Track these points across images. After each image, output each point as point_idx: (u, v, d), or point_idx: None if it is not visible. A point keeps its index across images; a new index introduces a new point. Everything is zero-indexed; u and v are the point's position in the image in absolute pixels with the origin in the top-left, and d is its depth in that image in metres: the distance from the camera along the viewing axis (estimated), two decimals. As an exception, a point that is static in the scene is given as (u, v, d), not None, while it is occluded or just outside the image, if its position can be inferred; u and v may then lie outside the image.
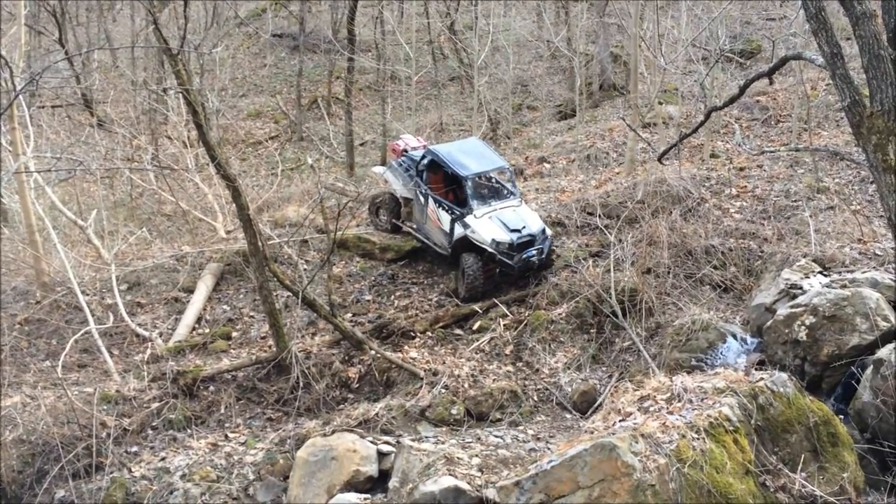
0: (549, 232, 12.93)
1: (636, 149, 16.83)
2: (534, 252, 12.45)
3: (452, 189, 13.44)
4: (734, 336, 10.81)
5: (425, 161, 13.57)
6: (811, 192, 14.14)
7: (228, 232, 16.05)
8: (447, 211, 12.96)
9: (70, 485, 9.43)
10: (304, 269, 13.18)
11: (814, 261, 11.49)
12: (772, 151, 14.00)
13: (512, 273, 12.63)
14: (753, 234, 13.19)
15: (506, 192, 13.29)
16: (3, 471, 9.56)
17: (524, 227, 12.48)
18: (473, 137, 14.95)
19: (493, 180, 13.56)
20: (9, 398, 10.52)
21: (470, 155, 13.33)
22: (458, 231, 12.70)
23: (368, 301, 13.24)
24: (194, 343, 12.23)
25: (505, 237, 12.36)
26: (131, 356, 12.03)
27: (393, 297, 13.38)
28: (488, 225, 12.51)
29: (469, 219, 12.64)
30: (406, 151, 14.47)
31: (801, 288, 10.69)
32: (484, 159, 13.34)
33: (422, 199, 13.43)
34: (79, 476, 9.58)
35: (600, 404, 9.30)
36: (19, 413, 10.05)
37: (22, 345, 12.17)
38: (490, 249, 12.37)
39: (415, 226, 13.81)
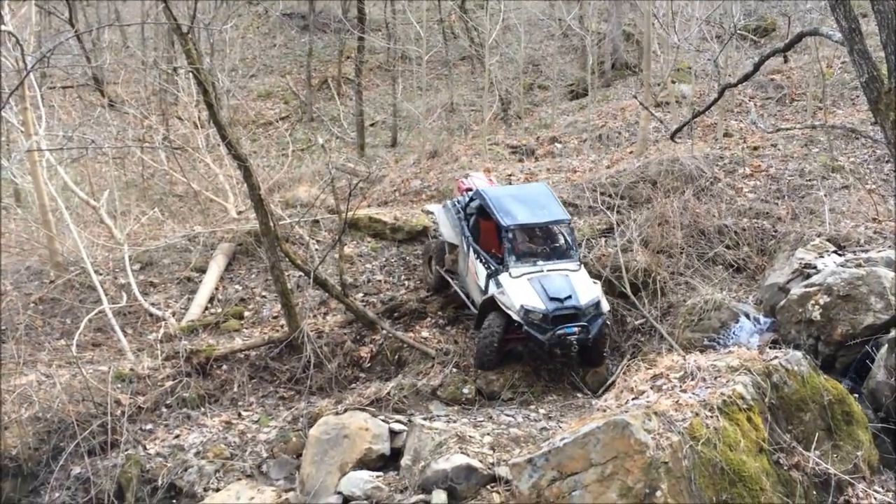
0: (605, 307, 10.65)
1: (649, 128, 16.71)
2: (575, 330, 10.20)
3: (522, 243, 11.34)
4: (747, 316, 10.77)
5: (474, 204, 11.83)
6: (826, 171, 14.01)
7: (240, 212, 16.07)
8: (484, 264, 11.05)
9: (86, 461, 9.54)
10: (316, 250, 13.19)
11: (828, 240, 11.41)
12: (787, 129, 13.86)
13: (542, 351, 10.76)
14: (767, 213, 13.10)
15: (564, 252, 11.14)
16: (20, 448, 9.68)
17: (569, 298, 10.28)
18: (542, 184, 12.68)
19: (552, 237, 11.40)
20: (24, 376, 10.63)
21: (524, 203, 11.33)
22: (491, 289, 10.80)
23: (380, 281, 13.25)
24: (207, 322, 12.29)
25: (538, 305, 10.24)
26: (145, 335, 12.10)
27: (404, 277, 13.38)
28: (523, 288, 10.43)
29: (503, 277, 10.63)
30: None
31: (815, 267, 10.63)
32: (539, 209, 11.26)
33: (465, 247, 11.60)
34: (94, 453, 9.68)
35: (612, 383, 9.30)
36: (35, 391, 10.16)
37: (37, 323, 12.26)
38: (516, 318, 10.31)
39: (458, 278, 11.98)
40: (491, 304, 10.69)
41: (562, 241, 11.25)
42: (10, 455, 9.65)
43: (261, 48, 28.68)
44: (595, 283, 10.87)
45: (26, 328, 11.77)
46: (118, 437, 9.88)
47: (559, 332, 10.16)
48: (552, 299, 10.23)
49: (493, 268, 10.84)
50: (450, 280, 12.03)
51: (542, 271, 10.65)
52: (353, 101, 23.70)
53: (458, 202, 12.25)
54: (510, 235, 10.88)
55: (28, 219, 15.45)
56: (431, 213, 13.06)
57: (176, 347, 11.28)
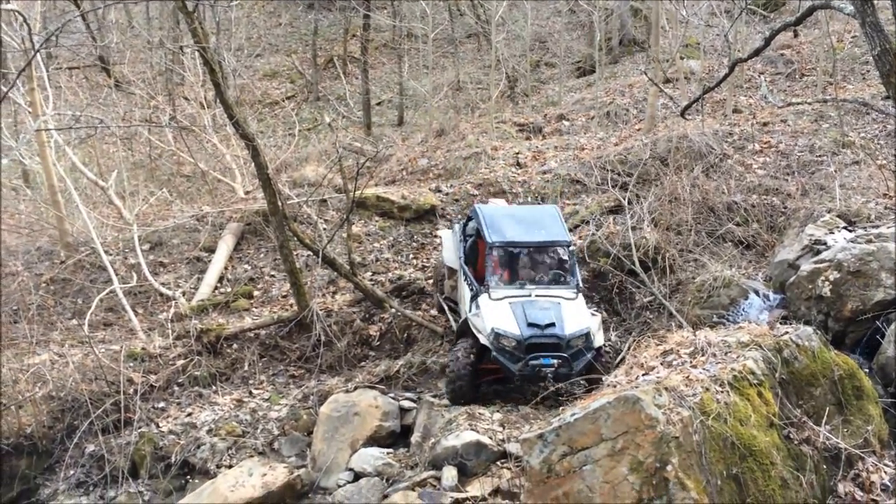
0: (599, 341, 9.51)
1: (657, 105, 16.59)
2: (552, 363, 9.03)
3: (511, 264, 10.21)
4: (756, 292, 10.74)
5: (472, 224, 10.87)
6: (836, 146, 13.91)
7: (247, 192, 16.09)
8: (469, 286, 10.14)
9: (100, 439, 9.66)
10: (324, 229, 13.21)
11: (838, 216, 11.34)
12: (798, 104, 13.72)
13: (511, 382, 9.72)
14: (777, 189, 13.03)
15: (560, 278, 10.05)
16: (35, 426, 9.80)
17: (550, 326, 9.17)
18: (552, 206, 11.44)
19: (549, 261, 10.29)
20: (37, 356, 10.73)
21: (521, 222, 10.40)
22: (471, 311, 9.88)
23: (388, 260, 13.27)
24: (217, 302, 12.36)
25: (512, 330, 9.14)
26: (155, 315, 12.18)
27: (412, 255, 13.40)
28: (500, 311, 9.39)
29: (482, 298, 9.66)
30: None
31: (825, 243, 10.58)
32: (537, 230, 10.26)
33: (460, 270, 10.76)
34: (108, 431, 9.81)
35: (622, 359, 9.31)
36: (48, 370, 10.27)
37: (48, 303, 12.36)
38: (485, 342, 9.28)
39: (457, 303, 11.06)
40: (466, 329, 9.73)
41: (561, 267, 10.14)
42: (25, 433, 9.79)
43: (266, 27, 28.55)
44: (594, 314, 9.88)
45: (38, 308, 11.87)
46: (131, 416, 10.00)
47: (533, 362, 9.01)
48: (530, 325, 9.15)
49: (475, 289, 9.90)
50: (446, 308, 11.19)
51: (530, 296, 9.61)
52: (359, 80, 23.58)
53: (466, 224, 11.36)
54: (493, 254, 9.95)
55: (37, 200, 15.51)
56: (439, 237, 12.12)
57: (186, 326, 11.37)
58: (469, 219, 11.10)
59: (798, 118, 15.30)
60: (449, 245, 11.34)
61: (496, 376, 9.79)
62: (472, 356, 9.51)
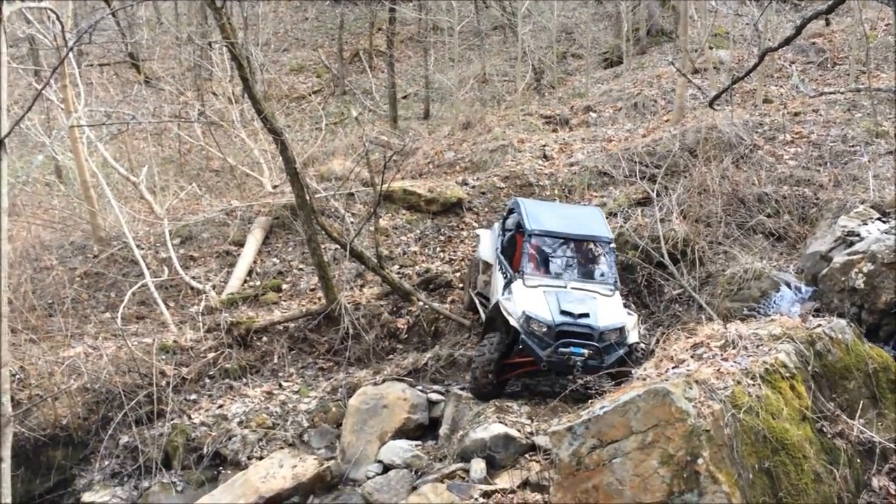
0: (633, 338, 9.25)
1: (686, 95, 16.40)
2: (583, 352, 8.80)
3: (548, 256, 10.11)
4: (788, 285, 10.60)
5: (512, 218, 10.83)
6: (869, 136, 13.66)
7: (275, 186, 16.21)
8: (503, 274, 10.06)
9: (133, 430, 9.83)
10: (351, 222, 13.27)
11: (872, 207, 11.14)
12: (830, 93, 13.47)
13: (539, 374, 9.64)
14: (808, 180, 12.83)
15: (598, 275, 9.91)
16: (70, 417, 9.99)
17: (585, 316, 8.97)
18: (596, 208, 11.50)
19: (589, 259, 10.17)
20: (72, 348, 10.92)
21: (563, 217, 10.38)
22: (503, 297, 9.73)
23: (415, 253, 13.31)
24: (246, 295, 12.49)
25: (544, 315, 8.98)
26: (186, 308, 12.34)
27: (439, 248, 13.42)
28: (533, 297, 9.26)
29: (516, 284, 9.54)
30: None
31: (858, 235, 10.41)
32: (577, 224, 10.17)
33: (495, 262, 10.63)
34: (141, 422, 9.97)
35: (651, 352, 9.26)
36: (83, 362, 10.45)
37: (82, 297, 12.57)
38: (515, 325, 9.11)
39: (488, 298, 10.79)
40: (497, 315, 9.53)
41: (600, 264, 9.98)
42: (61, 424, 9.97)
43: (292, 22, 28.69)
44: (630, 314, 9.63)
45: (72, 301, 12.07)
46: (164, 407, 10.15)
47: (563, 349, 8.78)
48: (563, 312, 8.97)
49: (509, 276, 9.79)
50: (478, 304, 11.01)
51: (565, 287, 9.45)
52: (384, 74, 23.63)
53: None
54: (532, 241, 9.83)
55: (70, 195, 15.76)
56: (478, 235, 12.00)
57: (217, 320, 11.50)
58: (510, 212, 11.00)
59: (830, 108, 15.04)
60: (486, 241, 11.26)
61: (523, 369, 9.63)
62: (498, 351, 9.35)
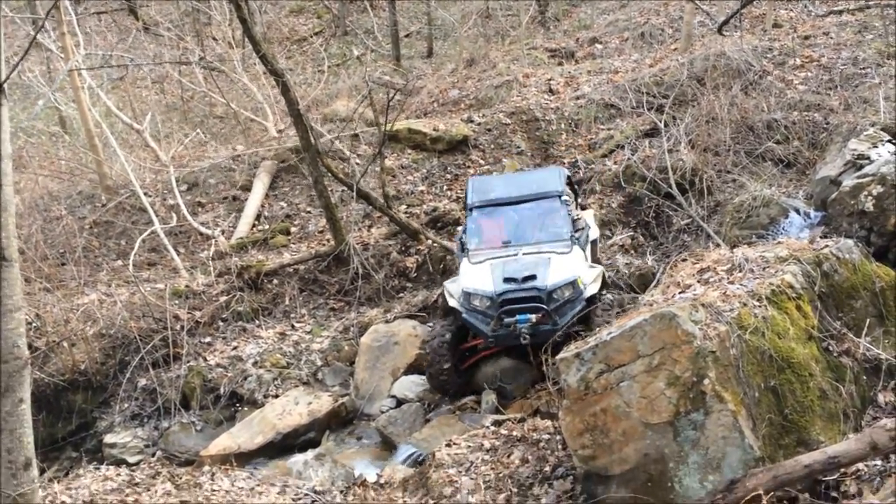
0: (592, 290, 8.64)
1: (693, 23, 16.06)
2: (530, 318, 8.17)
3: (497, 226, 9.59)
4: (797, 210, 10.54)
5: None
6: (881, 57, 13.37)
7: (280, 131, 16.11)
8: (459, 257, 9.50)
9: (151, 373, 10.02)
10: (357, 163, 13.23)
11: (882, 129, 10.96)
12: (840, 11, 13.12)
13: (490, 346, 8.87)
14: (818, 105, 12.62)
15: (553, 232, 9.15)
16: (88, 363, 10.18)
17: (530, 278, 8.35)
18: (558, 168, 10.90)
19: (543, 218, 9.38)
20: (86, 296, 11.07)
21: (511, 184, 9.85)
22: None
23: (422, 192, 13.28)
24: (255, 239, 12.56)
25: (484, 288, 8.40)
26: (196, 253, 12.44)
27: (446, 187, 13.38)
28: (476, 272, 8.69)
29: (462, 263, 9.04)
30: None
31: (868, 158, 10.27)
32: (525, 187, 9.58)
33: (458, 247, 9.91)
34: (158, 365, 10.16)
35: (658, 281, 9.28)
36: (98, 309, 10.59)
37: (93, 245, 12.69)
38: (456, 305, 8.66)
39: None
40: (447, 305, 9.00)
41: (555, 222, 9.23)
42: (80, 369, 10.18)
43: (290, -38, 28.03)
44: (593, 266, 9.11)
45: (84, 250, 12.18)
46: (179, 350, 10.32)
47: (507, 319, 8.16)
48: (507, 280, 8.37)
49: (459, 259, 9.26)
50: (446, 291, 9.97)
51: (516, 255, 8.81)
52: (386, 13, 23.18)
53: None
54: (474, 214, 9.35)
55: (76, 145, 15.75)
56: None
57: (227, 264, 11.60)
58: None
59: (841, 30, 14.69)
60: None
61: (482, 353, 9.09)
62: (449, 331, 8.83)
